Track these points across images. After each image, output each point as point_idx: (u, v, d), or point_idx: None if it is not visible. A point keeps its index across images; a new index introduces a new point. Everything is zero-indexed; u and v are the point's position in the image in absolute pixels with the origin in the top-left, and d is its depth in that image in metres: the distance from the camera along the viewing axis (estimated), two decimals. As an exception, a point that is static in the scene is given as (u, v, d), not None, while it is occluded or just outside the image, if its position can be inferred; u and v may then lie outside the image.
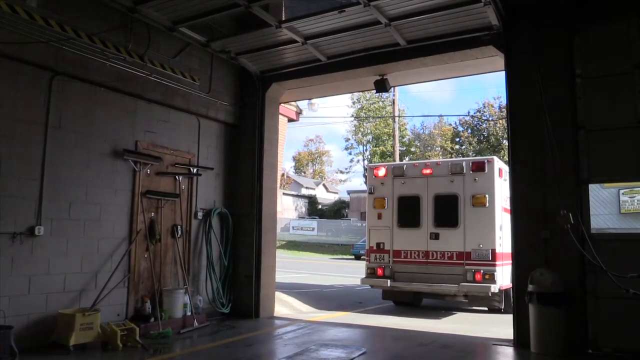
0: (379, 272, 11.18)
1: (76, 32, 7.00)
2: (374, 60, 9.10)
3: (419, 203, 11.08)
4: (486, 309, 11.33)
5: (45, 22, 6.64)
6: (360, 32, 8.47)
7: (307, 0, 8.32)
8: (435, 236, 10.80)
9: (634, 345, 6.57)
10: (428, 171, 11.17)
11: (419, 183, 11.18)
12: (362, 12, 7.79)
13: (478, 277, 10.21)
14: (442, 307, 12.19)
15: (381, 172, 11.57)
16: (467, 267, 10.38)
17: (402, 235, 11.16)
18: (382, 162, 53.66)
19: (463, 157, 49.36)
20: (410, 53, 8.77)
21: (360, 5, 7.49)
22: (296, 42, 8.76)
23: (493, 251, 10.25)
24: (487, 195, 10.41)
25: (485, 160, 10.74)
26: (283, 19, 8.39)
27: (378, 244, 11.35)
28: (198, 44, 8.99)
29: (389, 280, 11.00)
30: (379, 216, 11.45)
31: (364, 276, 11.62)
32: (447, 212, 10.73)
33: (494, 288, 10.11)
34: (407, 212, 11.16)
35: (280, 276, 12.52)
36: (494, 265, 10.20)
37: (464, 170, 10.71)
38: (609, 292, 6.70)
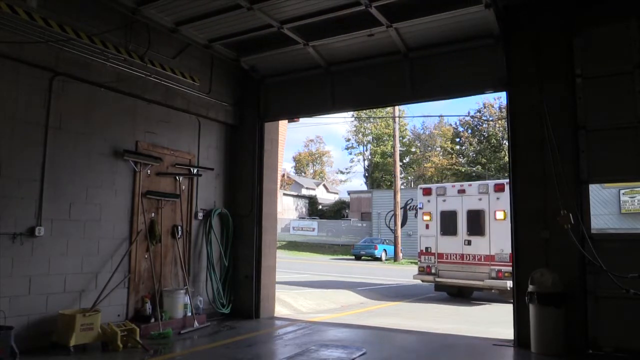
0: (427, 270, 14.12)
1: (76, 33, 7.02)
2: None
3: (456, 216, 13.81)
4: (510, 301, 11.95)
5: (45, 23, 6.65)
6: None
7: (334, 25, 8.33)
8: (468, 242, 13.49)
9: (634, 345, 6.57)
10: (463, 191, 13.84)
11: (455, 201, 13.91)
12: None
13: (500, 275, 12.72)
14: (476, 298, 14.48)
15: (428, 192, 14.57)
16: (491, 267, 12.97)
17: (444, 241, 13.96)
18: (383, 162, 53.88)
19: (463, 157, 49.72)
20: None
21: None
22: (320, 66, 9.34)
23: (511, 255, 11.16)
24: (506, 211, 12.21)
25: (506, 182, 12.35)
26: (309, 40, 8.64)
27: (426, 248, 14.27)
28: (229, 60, 9.52)
29: (434, 277, 13.95)
30: (427, 226, 14.35)
31: (416, 273, 14.63)
32: (477, 223, 13.40)
33: (511, 284, 10.88)
34: (448, 224, 13.93)
35: (281, 277, 12.55)
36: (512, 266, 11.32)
37: (489, 190, 13.31)
38: (609, 292, 6.70)
